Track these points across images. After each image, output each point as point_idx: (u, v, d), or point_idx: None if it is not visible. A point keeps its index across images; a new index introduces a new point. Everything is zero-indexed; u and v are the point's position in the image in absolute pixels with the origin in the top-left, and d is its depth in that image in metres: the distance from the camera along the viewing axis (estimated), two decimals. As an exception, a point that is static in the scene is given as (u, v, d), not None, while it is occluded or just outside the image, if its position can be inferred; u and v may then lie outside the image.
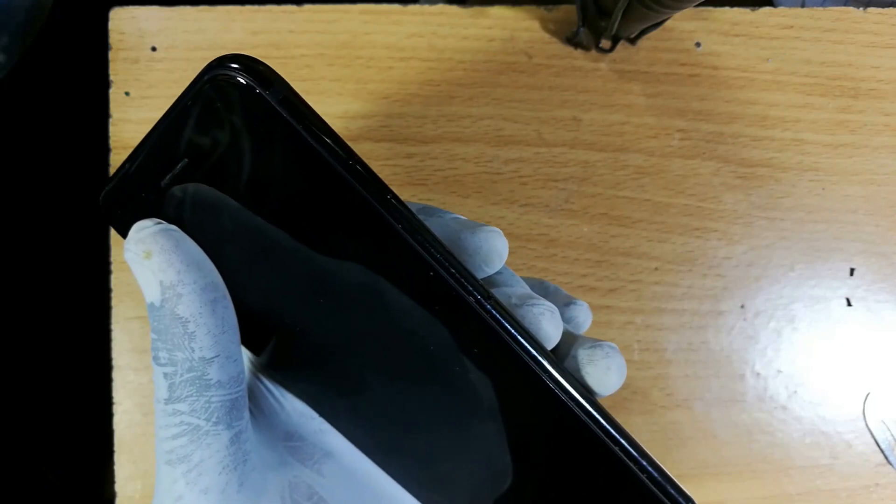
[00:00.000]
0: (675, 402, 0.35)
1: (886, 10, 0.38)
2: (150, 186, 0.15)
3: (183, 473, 0.14)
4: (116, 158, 0.34)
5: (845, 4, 0.40)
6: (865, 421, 0.35)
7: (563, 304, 0.19)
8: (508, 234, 0.35)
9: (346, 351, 0.16)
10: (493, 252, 0.16)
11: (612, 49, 0.36)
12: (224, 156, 0.14)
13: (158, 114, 0.38)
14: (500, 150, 0.35)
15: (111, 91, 0.34)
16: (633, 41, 0.36)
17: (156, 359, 0.14)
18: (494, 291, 0.16)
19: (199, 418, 0.14)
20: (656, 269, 0.35)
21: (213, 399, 0.14)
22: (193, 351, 0.14)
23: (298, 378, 0.17)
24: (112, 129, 0.34)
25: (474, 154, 0.35)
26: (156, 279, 0.14)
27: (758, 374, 0.35)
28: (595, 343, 0.16)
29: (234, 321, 0.15)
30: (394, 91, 0.35)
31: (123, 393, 0.33)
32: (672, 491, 0.14)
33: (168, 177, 0.14)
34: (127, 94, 0.34)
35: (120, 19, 0.35)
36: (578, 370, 0.16)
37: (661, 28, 0.35)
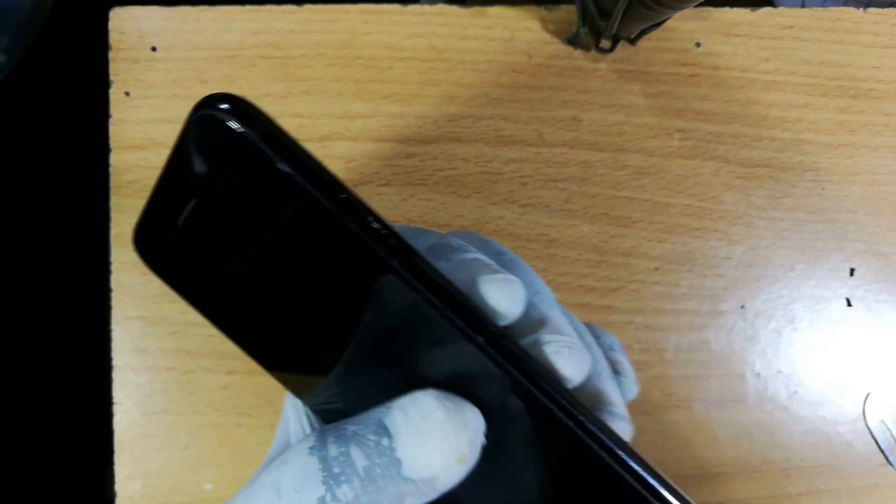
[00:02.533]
0: (675, 402, 0.35)
1: (886, 10, 0.38)
2: (169, 226, 0.14)
3: None
4: (116, 158, 0.34)
5: (845, 4, 0.40)
6: (865, 421, 0.35)
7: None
8: (508, 235, 0.35)
9: (376, 389, 0.15)
10: (499, 307, 0.15)
11: (612, 49, 0.36)
12: (222, 195, 0.14)
13: (158, 113, 0.38)
14: (500, 150, 0.35)
15: (111, 91, 0.34)
16: (633, 41, 0.36)
17: (329, 498, 0.12)
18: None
19: None
20: (656, 269, 0.35)
21: None
22: None
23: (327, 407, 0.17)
24: (112, 129, 0.34)
25: (474, 154, 0.35)
26: (433, 472, 0.13)
27: (758, 375, 0.35)
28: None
29: None
30: (394, 91, 0.35)
31: (123, 393, 0.33)
32: None
33: (182, 217, 0.14)
34: (127, 94, 0.34)
35: (120, 19, 0.35)
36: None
37: (661, 28, 0.35)
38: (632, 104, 0.36)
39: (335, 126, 0.35)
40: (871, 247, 0.36)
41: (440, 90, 0.35)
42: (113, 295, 0.33)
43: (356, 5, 0.36)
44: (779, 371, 0.35)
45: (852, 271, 0.36)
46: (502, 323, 0.15)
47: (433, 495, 0.13)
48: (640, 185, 0.36)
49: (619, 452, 0.14)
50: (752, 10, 0.37)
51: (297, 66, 0.35)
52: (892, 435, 0.35)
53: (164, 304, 0.33)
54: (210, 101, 0.13)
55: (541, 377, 0.14)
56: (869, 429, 0.35)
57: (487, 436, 0.14)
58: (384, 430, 0.13)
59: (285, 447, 0.17)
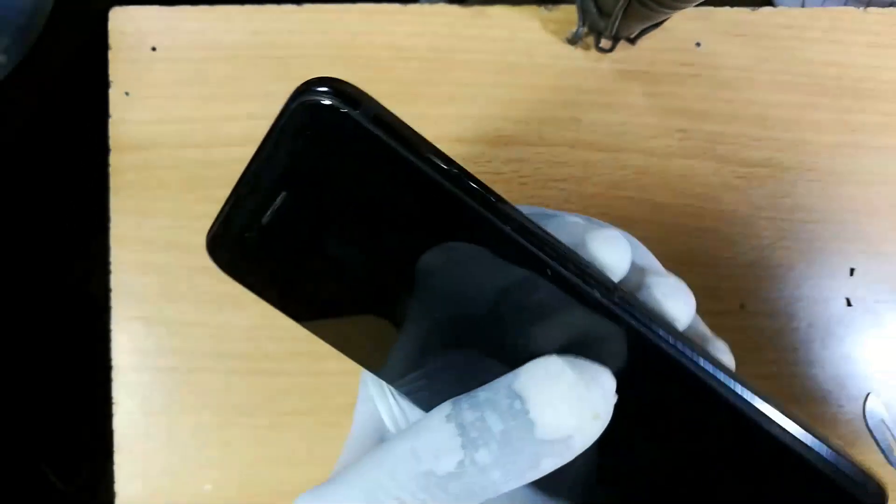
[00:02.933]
0: (675, 402, 0.35)
1: (886, 10, 0.38)
2: (251, 225, 0.14)
3: None
4: (116, 158, 0.34)
5: (845, 4, 0.40)
6: (865, 421, 0.35)
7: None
8: (508, 234, 0.35)
9: (478, 359, 0.15)
10: (609, 262, 0.15)
11: (612, 49, 0.36)
12: (322, 183, 0.13)
13: (158, 114, 0.38)
14: (500, 150, 0.35)
15: (111, 91, 0.34)
16: (633, 41, 0.36)
17: (467, 463, 0.13)
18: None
19: None
20: (656, 269, 0.35)
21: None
22: (496, 490, 0.13)
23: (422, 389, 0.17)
24: (112, 129, 0.34)
25: (474, 154, 0.35)
26: (567, 431, 0.13)
27: (758, 375, 0.35)
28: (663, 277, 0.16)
29: None
30: (394, 91, 0.35)
31: (123, 393, 0.33)
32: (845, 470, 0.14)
33: (269, 213, 0.14)
34: (127, 94, 0.34)
35: (120, 19, 0.35)
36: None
37: (661, 28, 0.35)
38: (632, 104, 0.36)
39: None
40: (871, 247, 0.36)
41: (440, 90, 0.35)
42: (113, 295, 0.33)
43: (356, 5, 0.36)
44: (778, 371, 0.35)
45: (852, 271, 0.36)
46: (613, 279, 0.15)
47: (569, 456, 0.13)
48: (640, 185, 0.36)
49: (754, 395, 0.14)
50: (752, 10, 0.37)
51: (298, 66, 0.35)
52: (892, 435, 0.35)
53: (164, 304, 0.33)
54: (310, 87, 0.12)
55: (661, 325, 0.14)
56: (869, 429, 0.35)
57: (617, 392, 0.14)
58: (515, 395, 0.13)
59: (374, 427, 0.18)
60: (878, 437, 0.35)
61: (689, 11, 0.37)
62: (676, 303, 0.15)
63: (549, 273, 0.14)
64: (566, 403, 0.13)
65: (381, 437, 0.18)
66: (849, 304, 0.36)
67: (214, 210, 0.14)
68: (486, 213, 0.13)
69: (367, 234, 0.14)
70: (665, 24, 0.35)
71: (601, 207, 0.35)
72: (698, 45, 0.37)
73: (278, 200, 0.14)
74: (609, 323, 0.14)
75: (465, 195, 0.13)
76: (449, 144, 0.35)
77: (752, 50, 0.37)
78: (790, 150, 0.37)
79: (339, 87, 0.12)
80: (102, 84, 0.34)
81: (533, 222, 0.14)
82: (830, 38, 0.37)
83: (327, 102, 0.12)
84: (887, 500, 0.14)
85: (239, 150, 0.34)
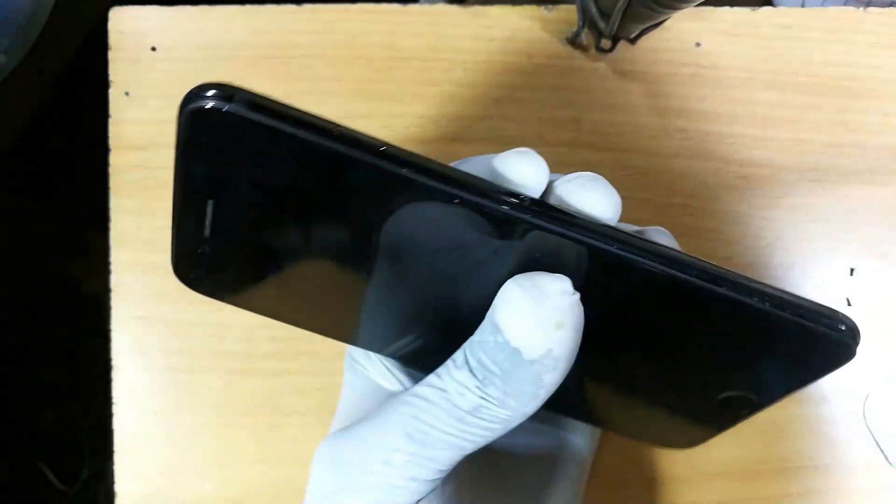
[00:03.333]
0: (675, 402, 0.35)
1: (886, 10, 0.38)
2: (200, 241, 0.15)
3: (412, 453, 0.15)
4: (116, 158, 0.34)
5: (845, 4, 0.40)
6: (865, 421, 0.35)
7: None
8: (508, 234, 0.35)
9: (423, 304, 0.16)
10: (523, 178, 0.16)
11: (612, 49, 0.36)
12: (236, 179, 0.14)
13: (158, 114, 0.38)
14: (500, 150, 0.35)
15: (111, 91, 0.34)
16: (633, 41, 0.36)
17: (486, 398, 0.14)
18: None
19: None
20: (656, 269, 0.35)
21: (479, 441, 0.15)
22: (523, 414, 0.14)
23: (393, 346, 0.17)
24: (112, 129, 0.34)
25: (474, 154, 0.35)
26: (545, 346, 0.14)
27: (758, 374, 0.35)
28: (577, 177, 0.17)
29: None
30: (394, 91, 0.35)
31: (123, 393, 0.33)
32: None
33: (207, 224, 0.14)
34: (127, 94, 0.34)
35: (120, 19, 0.35)
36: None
37: (661, 28, 0.35)
38: (632, 104, 0.36)
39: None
40: (871, 247, 0.36)
41: (440, 90, 0.35)
42: (113, 295, 0.33)
43: (356, 5, 0.36)
44: (779, 371, 0.35)
45: (852, 271, 0.36)
46: (533, 194, 0.16)
47: (563, 366, 0.14)
48: (640, 185, 0.36)
49: (708, 265, 0.15)
50: (752, 10, 0.37)
51: (298, 67, 0.35)
52: (893, 435, 0.35)
53: (164, 304, 0.33)
54: (189, 97, 0.13)
55: (584, 222, 0.15)
56: (869, 429, 0.35)
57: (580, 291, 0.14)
58: (497, 328, 0.14)
59: (370, 389, 0.19)
60: (877, 437, 0.35)
61: (689, 11, 0.36)
62: (591, 192, 0.16)
63: (465, 202, 0.14)
64: (527, 322, 0.14)
65: (379, 398, 0.19)
66: (849, 304, 0.36)
67: (214, 210, 0.14)
68: (380, 161, 0.14)
69: (302, 214, 0.14)
70: (665, 24, 0.35)
71: (601, 207, 0.35)
72: (698, 45, 0.37)
73: (209, 210, 0.14)
74: (540, 234, 0.14)
75: (355, 150, 0.13)
76: (448, 144, 0.35)
77: (752, 50, 0.37)
78: (790, 150, 0.37)
79: (211, 89, 0.13)
80: (102, 84, 0.34)
81: (432, 160, 0.14)
82: (830, 38, 0.37)
83: (205, 105, 0.13)
84: (859, 333, 0.15)
85: (239, 150, 0.34)
